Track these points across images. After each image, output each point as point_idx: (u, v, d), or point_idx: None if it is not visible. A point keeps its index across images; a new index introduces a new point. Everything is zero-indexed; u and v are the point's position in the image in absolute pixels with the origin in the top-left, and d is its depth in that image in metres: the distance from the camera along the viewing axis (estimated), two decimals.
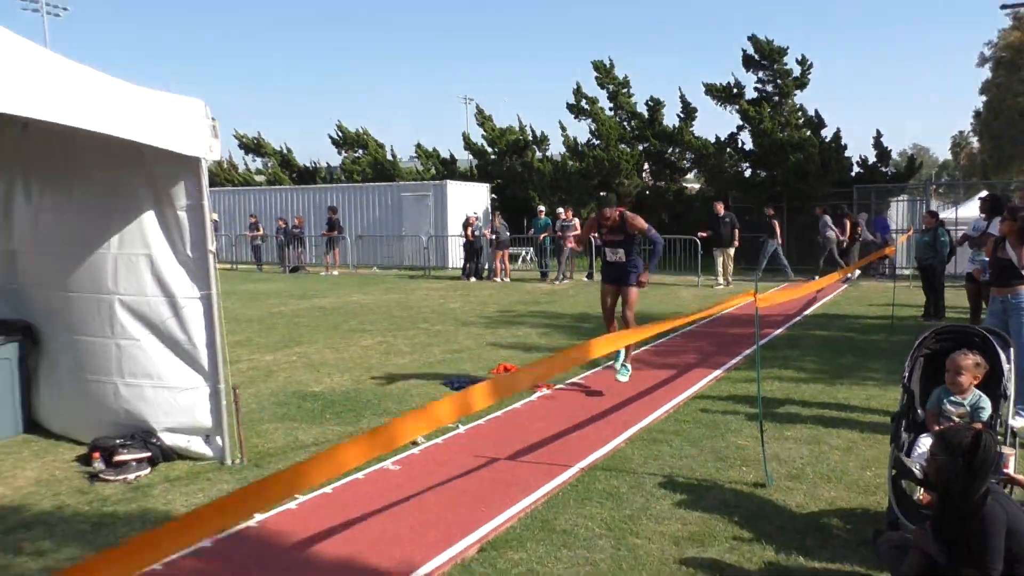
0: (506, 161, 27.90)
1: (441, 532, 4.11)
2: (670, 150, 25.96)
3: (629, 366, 7.09)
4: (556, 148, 32.75)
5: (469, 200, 24.36)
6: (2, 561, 3.85)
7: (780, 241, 18.27)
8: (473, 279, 19.78)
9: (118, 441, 5.12)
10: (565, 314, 12.89)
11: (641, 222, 6.95)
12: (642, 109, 26.24)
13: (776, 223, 18.17)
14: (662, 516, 4.29)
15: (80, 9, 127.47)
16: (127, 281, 5.32)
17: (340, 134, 30.89)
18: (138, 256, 5.28)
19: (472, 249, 20.24)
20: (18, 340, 5.93)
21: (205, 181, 5.14)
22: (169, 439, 5.29)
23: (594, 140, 26.33)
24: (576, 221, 19.70)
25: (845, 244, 17.88)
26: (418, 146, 30.12)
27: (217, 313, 5.23)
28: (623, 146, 25.70)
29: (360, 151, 30.77)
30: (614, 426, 6.06)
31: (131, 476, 4.95)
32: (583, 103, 26.41)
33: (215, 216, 5.08)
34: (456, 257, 22.91)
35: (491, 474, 5.04)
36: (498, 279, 19.63)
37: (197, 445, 5.32)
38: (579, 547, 3.92)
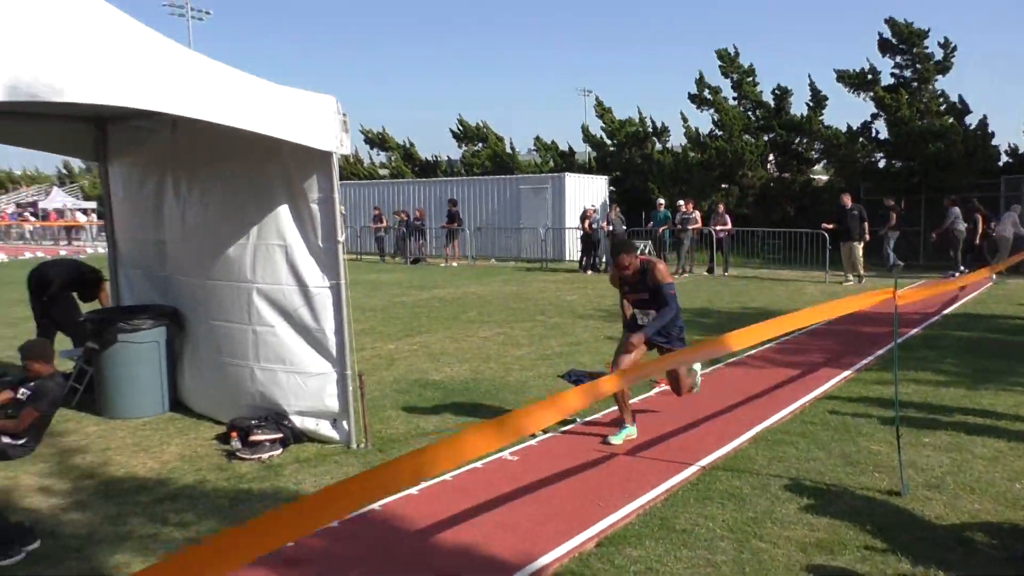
0: (625, 153, 27.62)
1: (559, 525, 4.12)
2: (797, 140, 24.99)
3: (699, 380, 6.13)
4: (677, 139, 32.09)
5: (587, 192, 24.28)
6: (150, 530, 4.14)
7: (886, 232, 17.62)
8: (590, 272, 19.68)
9: (253, 422, 5.40)
10: (684, 309, 12.47)
11: (665, 274, 5.41)
12: (768, 98, 25.38)
13: (893, 214, 17.33)
14: (788, 520, 4.13)
15: (220, 12, 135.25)
16: (264, 270, 5.60)
17: (461, 128, 31.46)
18: (274, 247, 5.54)
19: (589, 242, 20.13)
20: (165, 324, 6.34)
21: (336, 175, 5.32)
22: (299, 422, 5.54)
23: (717, 131, 25.66)
24: (697, 214, 19.26)
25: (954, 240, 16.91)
26: (537, 139, 30.32)
27: (345, 302, 5.42)
28: (747, 136, 24.93)
29: (480, 144, 31.25)
30: (736, 425, 5.90)
31: (265, 456, 5.22)
32: (706, 93, 25.78)
33: (343, 209, 5.27)
34: (573, 249, 22.88)
35: (609, 469, 5.00)
36: None
37: (325, 428, 5.54)
38: (700, 548, 3.83)
